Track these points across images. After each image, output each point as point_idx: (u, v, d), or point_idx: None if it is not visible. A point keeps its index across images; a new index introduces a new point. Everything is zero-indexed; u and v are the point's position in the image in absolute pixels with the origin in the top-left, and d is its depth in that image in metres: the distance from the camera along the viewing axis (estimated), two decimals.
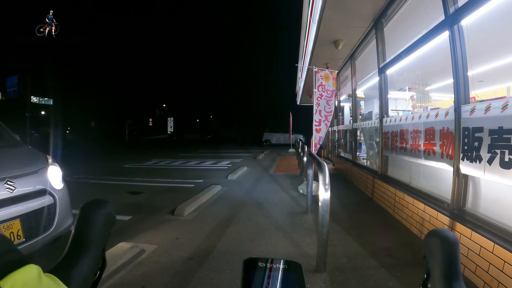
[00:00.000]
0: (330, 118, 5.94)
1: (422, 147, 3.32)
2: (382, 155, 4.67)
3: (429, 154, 3.17)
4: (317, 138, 5.90)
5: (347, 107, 9.54)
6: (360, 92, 7.35)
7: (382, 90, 4.68)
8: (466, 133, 2.41)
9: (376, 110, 6.38)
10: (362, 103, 8.20)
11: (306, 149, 5.90)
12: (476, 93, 2.90)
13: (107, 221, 0.60)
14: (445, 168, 2.85)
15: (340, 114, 9.47)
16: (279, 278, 0.52)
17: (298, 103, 17.64)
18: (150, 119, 62.21)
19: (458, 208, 2.61)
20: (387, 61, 4.47)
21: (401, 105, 6.57)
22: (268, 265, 0.54)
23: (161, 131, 58.77)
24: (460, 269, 0.52)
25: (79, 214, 0.59)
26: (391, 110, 5.58)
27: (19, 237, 2.14)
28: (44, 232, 2.37)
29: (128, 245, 2.85)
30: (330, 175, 2.57)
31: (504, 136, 1.96)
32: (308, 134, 6.08)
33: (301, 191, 5.46)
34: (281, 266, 0.53)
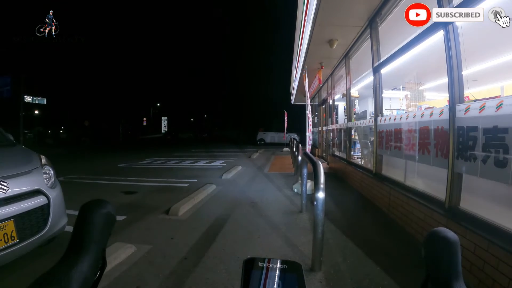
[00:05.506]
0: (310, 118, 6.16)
1: (416, 146, 3.35)
2: (376, 154, 4.69)
3: (423, 153, 3.19)
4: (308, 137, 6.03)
5: (341, 106, 9.57)
6: (354, 91, 7.38)
7: (377, 89, 4.71)
8: (461, 132, 2.43)
9: (370, 109, 6.41)
10: (356, 102, 8.23)
11: (300, 148, 5.92)
12: (470, 92, 2.94)
13: (108, 221, 0.60)
14: (439, 167, 2.87)
15: (334, 113, 9.51)
16: (279, 278, 0.51)
17: (292, 102, 17.62)
18: (144, 118, 61.84)
19: (453, 207, 2.64)
20: (382, 60, 4.49)
21: (395, 104, 6.63)
22: (268, 265, 0.53)
23: (155, 130, 58.50)
24: (460, 269, 0.51)
25: (79, 214, 0.58)
26: (386, 109, 5.62)
27: (12, 238, 2.11)
28: (38, 233, 2.34)
29: (122, 245, 2.83)
30: (325, 174, 2.57)
31: (499, 135, 1.98)
32: (303, 133, 6.21)
33: (295, 190, 5.47)
34: (281, 266, 0.53)
